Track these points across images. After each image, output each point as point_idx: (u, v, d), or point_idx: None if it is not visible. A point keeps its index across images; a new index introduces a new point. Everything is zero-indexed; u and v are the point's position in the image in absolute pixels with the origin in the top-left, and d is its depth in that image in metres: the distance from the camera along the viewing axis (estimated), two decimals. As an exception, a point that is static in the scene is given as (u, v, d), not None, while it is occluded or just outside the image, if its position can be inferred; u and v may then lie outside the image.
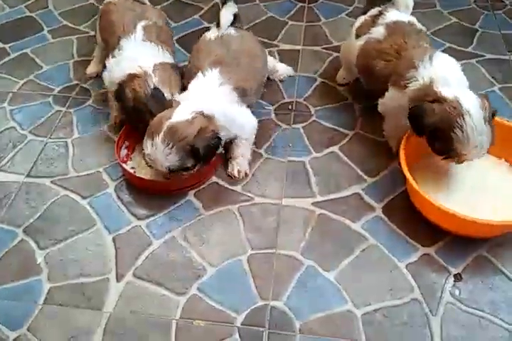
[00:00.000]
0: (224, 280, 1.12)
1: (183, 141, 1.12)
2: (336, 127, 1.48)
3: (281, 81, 1.59)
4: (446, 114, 1.07)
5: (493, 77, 1.62)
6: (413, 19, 1.35)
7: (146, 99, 1.20)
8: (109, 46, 1.38)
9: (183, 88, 1.30)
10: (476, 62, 1.68)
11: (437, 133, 1.09)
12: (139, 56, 1.28)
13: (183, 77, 1.34)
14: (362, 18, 1.42)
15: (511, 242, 1.18)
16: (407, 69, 1.19)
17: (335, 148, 1.42)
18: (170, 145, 1.11)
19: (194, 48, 1.37)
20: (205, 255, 1.17)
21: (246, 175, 1.33)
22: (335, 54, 1.72)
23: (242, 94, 1.26)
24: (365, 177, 1.34)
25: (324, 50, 1.75)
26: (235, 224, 1.23)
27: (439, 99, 1.09)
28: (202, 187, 1.32)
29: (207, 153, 1.14)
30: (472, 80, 1.53)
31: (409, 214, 1.23)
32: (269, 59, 1.53)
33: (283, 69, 1.59)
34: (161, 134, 1.11)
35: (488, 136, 1.07)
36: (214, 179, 1.34)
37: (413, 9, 1.40)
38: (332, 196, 1.30)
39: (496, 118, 1.16)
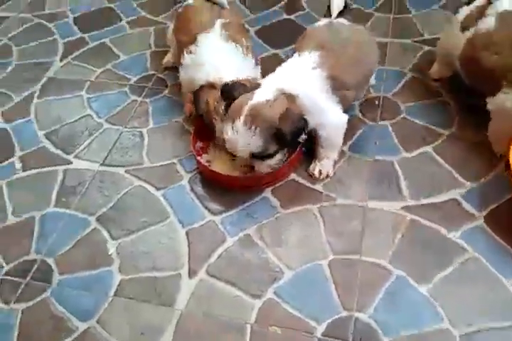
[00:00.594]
0: (303, 286, 1.02)
1: (266, 123, 1.02)
2: (429, 125, 1.35)
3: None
4: None
5: None
6: None
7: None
8: (185, 46, 1.32)
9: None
10: None
11: None
12: (221, 64, 1.21)
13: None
14: (467, 9, 1.28)
15: None
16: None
17: (428, 148, 1.29)
18: (253, 128, 1.03)
19: (301, 36, 1.28)
20: (282, 256, 1.07)
21: (327, 176, 1.22)
22: (426, 48, 1.58)
23: (337, 85, 1.15)
24: (464, 181, 1.20)
25: (415, 44, 1.61)
26: (315, 225, 1.13)
27: None
28: (279, 184, 1.22)
29: (293, 136, 1.04)
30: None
31: (517, 226, 1.07)
32: None
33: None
34: (242, 117, 1.03)
35: None
36: (292, 176, 1.25)
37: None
38: (425, 201, 1.17)
39: None
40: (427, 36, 1.64)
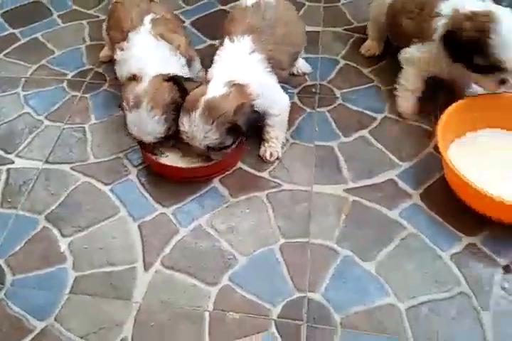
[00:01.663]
0: (256, 270, 1.06)
1: (222, 117, 1.06)
2: (364, 110, 1.41)
3: (293, 74, 1.48)
4: (479, 24, 1.07)
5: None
6: None
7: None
8: (117, 42, 1.30)
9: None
10: None
11: (474, 45, 1.08)
12: (145, 57, 1.20)
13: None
14: None
15: None
16: (431, 21, 1.17)
17: (364, 132, 1.35)
18: (210, 122, 1.05)
19: (228, 18, 1.29)
20: (234, 244, 1.11)
21: (278, 158, 1.26)
22: (356, 35, 1.65)
23: (275, 65, 1.19)
24: (399, 162, 1.27)
25: (345, 32, 1.67)
26: (264, 211, 1.17)
27: (471, 17, 1.08)
28: (227, 174, 1.24)
29: (248, 128, 1.08)
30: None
31: (450, 201, 1.16)
32: None
33: (300, 65, 1.49)
34: (199, 110, 1.06)
35: None
36: (239, 165, 1.28)
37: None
38: (365, 182, 1.23)
39: None
40: (356, 24, 1.70)
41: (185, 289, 1.04)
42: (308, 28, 1.70)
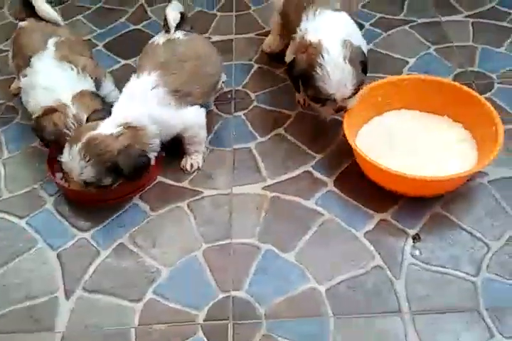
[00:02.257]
0: (181, 279, 1.07)
1: (102, 156, 1.05)
2: (278, 109, 1.45)
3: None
4: (309, 57, 1.09)
5: (427, 40, 1.62)
6: None
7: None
8: (21, 69, 1.30)
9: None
10: (409, 27, 1.68)
11: (305, 78, 1.11)
12: (55, 86, 1.19)
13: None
14: None
15: (463, 196, 1.17)
16: (298, 23, 1.19)
17: (280, 130, 1.39)
18: (87, 159, 1.04)
19: (141, 54, 1.30)
20: (157, 257, 1.12)
21: (198, 168, 1.29)
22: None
23: (183, 96, 1.19)
24: (314, 154, 1.31)
25: (257, 36, 1.72)
26: (185, 220, 1.18)
27: (307, 47, 1.10)
28: (147, 188, 1.26)
29: (132, 172, 1.08)
30: (407, 45, 1.56)
31: (361, 184, 1.21)
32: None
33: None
34: (79, 144, 1.05)
35: (349, 74, 1.08)
36: (159, 178, 1.29)
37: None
38: (282, 177, 1.27)
39: (436, 77, 1.27)
40: (268, 28, 1.75)
41: (111, 310, 1.04)
42: (222, 38, 1.76)
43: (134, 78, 1.19)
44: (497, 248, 1.06)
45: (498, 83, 1.44)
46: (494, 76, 1.46)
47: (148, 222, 1.19)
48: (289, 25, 1.32)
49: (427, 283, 1.02)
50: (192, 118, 1.23)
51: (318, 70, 1.07)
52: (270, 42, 1.57)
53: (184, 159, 1.30)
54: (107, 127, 1.09)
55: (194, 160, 1.29)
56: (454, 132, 1.26)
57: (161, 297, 1.05)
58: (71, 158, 1.06)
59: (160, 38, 1.29)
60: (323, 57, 1.07)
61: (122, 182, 1.15)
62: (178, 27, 1.29)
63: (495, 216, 1.12)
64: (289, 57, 1.28)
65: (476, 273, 1.02)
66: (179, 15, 1.29)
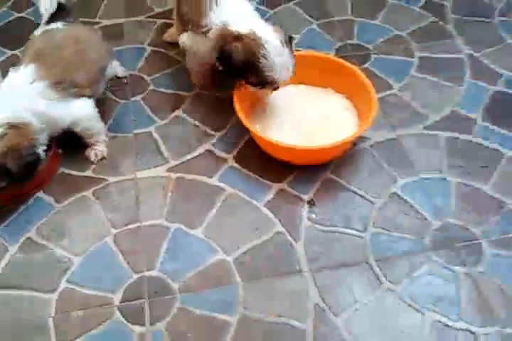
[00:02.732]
0: (93, 266, 1.10)
1: None
2: (175, 91, 1.48)
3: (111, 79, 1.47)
4: (249, 48, 1.13)
5: (309, 16, 1.71)
6: None
7: None
8: None
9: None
10: (293, 4, 1.76)
11: (247, 67, 1.15)
12: None
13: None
14: None
15: (349, 160, 1.29)
16: (200, 17, 1.21)
17: (179, 112, 1.43)
18: None
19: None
20: (68, 247, 1.13)
21: (104, 158, 1.30)
22: (158, 21, 1.70)
23: (68, 87, 1.17)
24: (213, 132, 1.37)
25: (148, 19, 1.71)
26: (92, 209, 1.20)
27: (238, 38, 1.14)
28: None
29: (23, 171, 1.06)
30: (292, 22, 1.64)
31: (259, 157, 1.29)
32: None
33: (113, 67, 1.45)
34: None
35: (289, 57, 1.14)
36: (62, 170, 1.29)
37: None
38: (185, 158, 1.31)
39: (317, 52, 1.36)
40: (157, 10, 1.75)
41: (25, 303, 1.05)
42: (112, 21, 1.72)
43: (11, 72, 1.15)
44: (381, 204, 1.20)
45: (374, 54, 1.57)
46: (371, 47, 1.59)
47: (55, 214, 1.20)
48: (184, 16, 1.33)
49: (322, 242, 1.13)
50: (79, 111, 1.20)
51: (262, 60, 1.11)
52: (172, 33, 1.57)
53: (88, 149, 1.31)
54: None
55: (97, 149, 1.30)
56: (337, 102, 1.37)
57: (75, 285, 1.07)
58: None
59: (38, 30, 1.25)
60: (264, 47, 1.11)
61: (21, 183, 1.12)
62: (58, 18, 1.26)
63: (377, 176, 1.26)
64: (188, 43, 1.30)
65: (364, 229, 1.16)
66: (55, 5, 1.26)
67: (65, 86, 1.17)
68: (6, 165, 1.04)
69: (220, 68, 1.22)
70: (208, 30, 1.20)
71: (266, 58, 1.12)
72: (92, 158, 1.30)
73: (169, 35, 1.60)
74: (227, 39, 1.15)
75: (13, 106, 1.10)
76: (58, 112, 1.16)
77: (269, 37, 1.13)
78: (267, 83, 1.18)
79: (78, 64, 1.20)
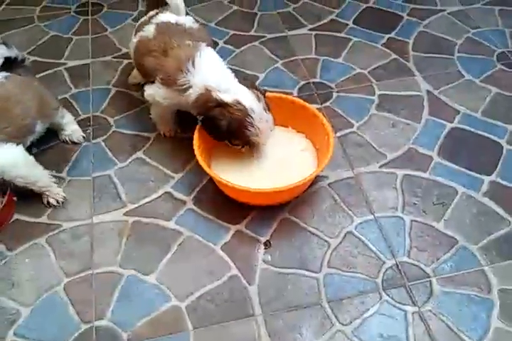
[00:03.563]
0: (42, 317, 1.08)
1: None
2: (137, 132, 1.49)
3: (64, 141, 1.46)
4: (235, 117, 1.16)
5: (275, 55, 1.74)
6: (183, 19, 1.37)
7: None
8: None
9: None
10: (259, 43, 1.79)
11: (232, 132, 1.19)
12: None
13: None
14: (142, 19, 1.44)
15: (307, 200, 1.29)
16: (177, 73, 1.22)
17: (139, 154, 1.43)
18: None
19: None
20: (16, 297, 1.11)
21: (65, 198, 1.29)
22: (125, 61, 1.72)
23: None
24: (173, 174, 1.37)
25: (115, 59, 1.74)
26: (44, 256, 1.18)
27: (221, 104, 1.17)
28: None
29: None
30: (258, 61, 1.68)
31: (218, 200, 1.29)
32: (65, 116, 1.43)
33: (70, 132, 1.45)
34: None
35: (271, 120, 1.21)
36: (16, 216, 1.27)
37: (196, 3, 1.53)
38: (143, 201, 1.30)
39: (278, 93, 1.37)
40: (124, 50, 1.77)
41: (-33, 358, 1.01)
42: (78, 62, 1.74)
43: None
44: (336, 244, 1.19)
45: (335, 92, 1.59)
46: (333, 85, 1.62)
47: (6, 263, 1.17)
48: (144, 70, 1.34)
49: (277, 285, 1.12)
50: (3, 158, 1.16)
51: (250, 128, 1.17)
52: (135, 75, 1.59)
53: (43, 197, 1.29)
54: None
55: (51, 194, 1.28)
56: (297, 142, 1.38)
57: (21, 337, 1.05)
58: None
59: None
60: (251, 117, 1.16)
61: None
62: (8, 69, 1.27)
63: (334, 215, 1.26)
64: (157, 97, 1.30)
65: (319, 269, 1.15)
66: (0, 60, 1.24)
67: None
68: None
69: (198, 125, 1.25)
70: (185, 89, 1.21)
71: (252, 126, 1.17)
72: (54, 203, 1.29)
73: (133, 77, 1.62)
74: (211, 105, 1.18)
75: None
76: None
77: (254, 105, 1.17)
78: (249, 144, 1.22)
79: (3, 118, 1.19)
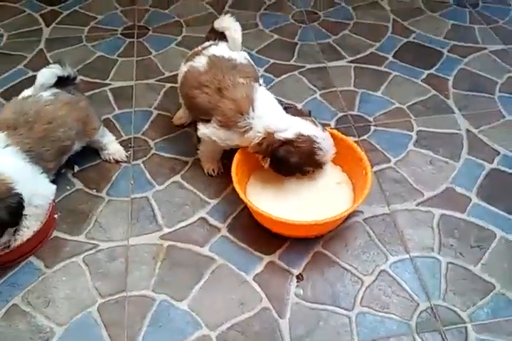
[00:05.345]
0: (74, 338, 1.09)
1: None
2: (176, 156, 1.51)
3: (106, 161, 1.50)
4: (304, 149, 1.20)
5: (314, 85, 1.76)
6: (236, 55, 1.38)
7: None
8: None
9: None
10: (299, 73, 1.81)
11: (304, 162, 1.23)
12: None
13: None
14: (195, 49, 1.44)
15: (341, 234, 1.29)
16: (236, 115, 1.24)
17: (177, 177, 1.45)
18: None
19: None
20: (51, 316, 1.13)
21: (8, 246, 1.18)
22: (167, 85, 1.76)
23: (36, 157, 1.19)
24: (209, 200, 1.38)
25: (157, 82, 1.78)
26: (80, 275, 1.20)
27: (286, 142, 1.20)
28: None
29: (11, 214, 1.08)
30: (297, 90, 1.70)
31: (252, 227, 1.29)
32: (105, 135, 1.47)
33: (113, 151, 1.48)
34: None
35: (330, 137, 1.24)
36: (54, 233, 1.30)
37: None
38: (179, 225, 1.32)
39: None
40: (167, 74, 1.82)
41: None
42: (122, 84, 1.79)
43: None
44: (369, 282, 1.18)
45: (373, 126, 1.60)
46: (371, 119, 1.63)
47: (43, 280, 1.20)
48: (196, 106, 1.33)
49: (309, 320, 1.11)
50: (46, 186, 1.22)
51: (319, 152, 1.21)
52: (180, 115, 1.59)
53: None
54: None
55: (17, 238, 1.20)
56: (333, 175, 1.38)
57: (53, 358, 1.05)
58: None
59: (24, 93, 1.30)
60: (317, 142, 1.20)
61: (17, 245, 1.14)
62: (60, 86, 1.32)
63: (368, 252, 1.25)
64: (206, 136, 1.32)
65: (352, 307, 1.13)
66: (53, 80, 1.30)
67: (34, 156, 1.19)
68: None
69: (265, 166, 1.27)
70: (246, 131, 1.24)
71: (320, 149, 1.21)
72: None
73: (178, 118, 1.60)
74: (277, 145, 1.21)
75: None
76: (29, 175, 1.17)
77: (314, 131, 1.21)
78: (319, 167, 1.27)
79: (47, 140, 1.22)
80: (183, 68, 1.39)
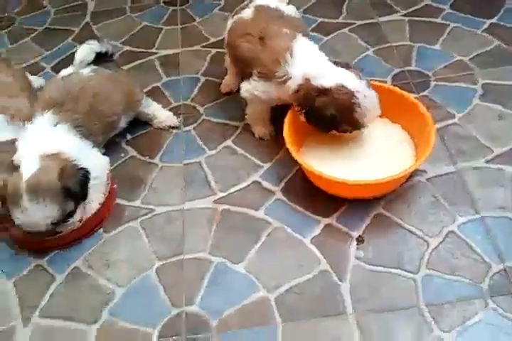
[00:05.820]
0: (135, 299, 1.10)
1: (51, 189, 1.05)
2: (226, 121, 1.48)
3: (160, 129, 1.48)
4: (341, 101, 1.12)
5: (366, 42, 1.66)
6: (284, 7, 1.33)
7: None
8: None
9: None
10: (349, 30, 1.72)
11: (341, 118, 1.15)
12: None
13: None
14: (242, 4, 1.41)
15: (403, 195, 1.22)
16: (274, 64, 1.19)
17: (228, 142, 1.42)
18: (42, 201, 1.04)
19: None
20: (112, 278, 1.14)
21: (81, 221, 1.19)
22: (213, 50, 1.73)
23: (86, 132, 1.20)
24: (261, 164, 1.35)
25: (203, 48, 1.75)
26: (138, 239, 1.21)
27: (324, 91, 1.13)
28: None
29: (81, 188, 1.10)
30: (347, 48, 1.61)
31: (307, 191, 1.25)
32: (150, 105, 1.46)
33: (164, 118, 1.46)
34: (24, 195, 1.04)
35: (376, 97, 1.15)
36: (112, 199, 1.31)
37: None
38: (232, 189, 1.30)
39: (373, 81, 1.26)
40: (212, 40, 1.78)
41: (67, 334, 1.06)
42: (168, 52, 1.77)
43: (33, 121, 1.17)
44: (436, 244, 1.11)
45: (433, 81, 1.49)
46: (430, 74, 1.52)
47: (103, 244, 1.21)
48: (238, 56, 1.31)
49: (370, 283, 1.06)
50: (99, 159, 1.25)
51: (358, 109, 1.12)
52: (228, 82, 1.54)
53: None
54: (30, 167, 1.07)
55: (84, 212, 1.20)
56: (393, 133, 1.31)
57: (115, 317, 1.08)
58: (26, 211, 1.05)
59: (64, 72, 1.30)
60: (356, 97, 1.11)
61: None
62: (99, 63, 1.32)
63: (434, 212, 1.17)
64: (249, 93, 1.29)
65: (417, 270, 1.07)
66: (91, 57, 1.29)
67: (84, 131, 1.20)
68: (68, 187, 1.07)
69: (302, 119, 1.20)
70: (285, 81, 1.18)
71: (359, 106, 1.11)
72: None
73: (226, 85, 1.55)
74: (313, 94, 1.14)
75: (42, 142, 1.13)
76: (83, 149, 1.19)
77: (357, 85, 1.12)
78: (357, 127, 1.17)
79: (95, 116, 1.23)
80: (230, 21, 1.35)
